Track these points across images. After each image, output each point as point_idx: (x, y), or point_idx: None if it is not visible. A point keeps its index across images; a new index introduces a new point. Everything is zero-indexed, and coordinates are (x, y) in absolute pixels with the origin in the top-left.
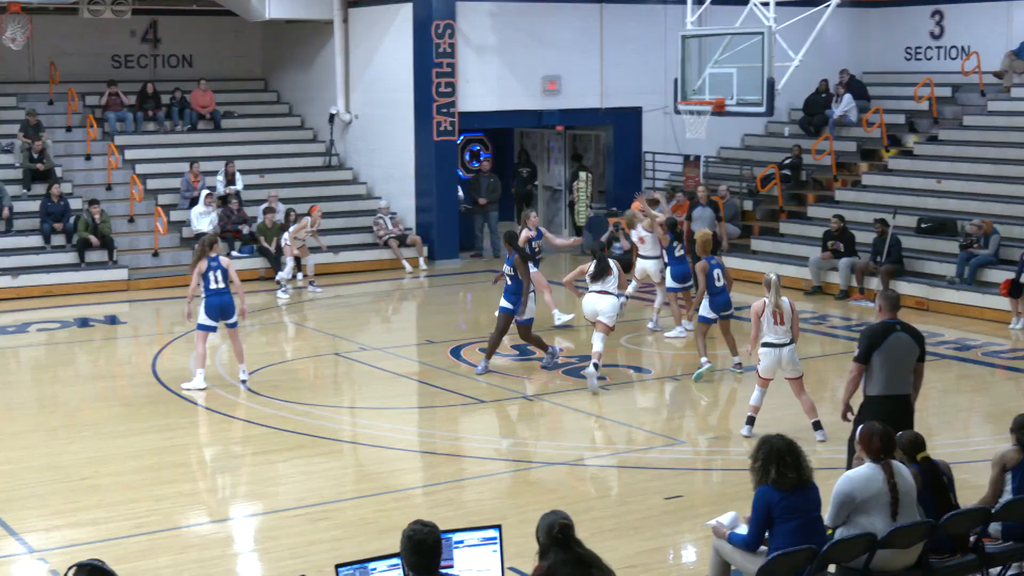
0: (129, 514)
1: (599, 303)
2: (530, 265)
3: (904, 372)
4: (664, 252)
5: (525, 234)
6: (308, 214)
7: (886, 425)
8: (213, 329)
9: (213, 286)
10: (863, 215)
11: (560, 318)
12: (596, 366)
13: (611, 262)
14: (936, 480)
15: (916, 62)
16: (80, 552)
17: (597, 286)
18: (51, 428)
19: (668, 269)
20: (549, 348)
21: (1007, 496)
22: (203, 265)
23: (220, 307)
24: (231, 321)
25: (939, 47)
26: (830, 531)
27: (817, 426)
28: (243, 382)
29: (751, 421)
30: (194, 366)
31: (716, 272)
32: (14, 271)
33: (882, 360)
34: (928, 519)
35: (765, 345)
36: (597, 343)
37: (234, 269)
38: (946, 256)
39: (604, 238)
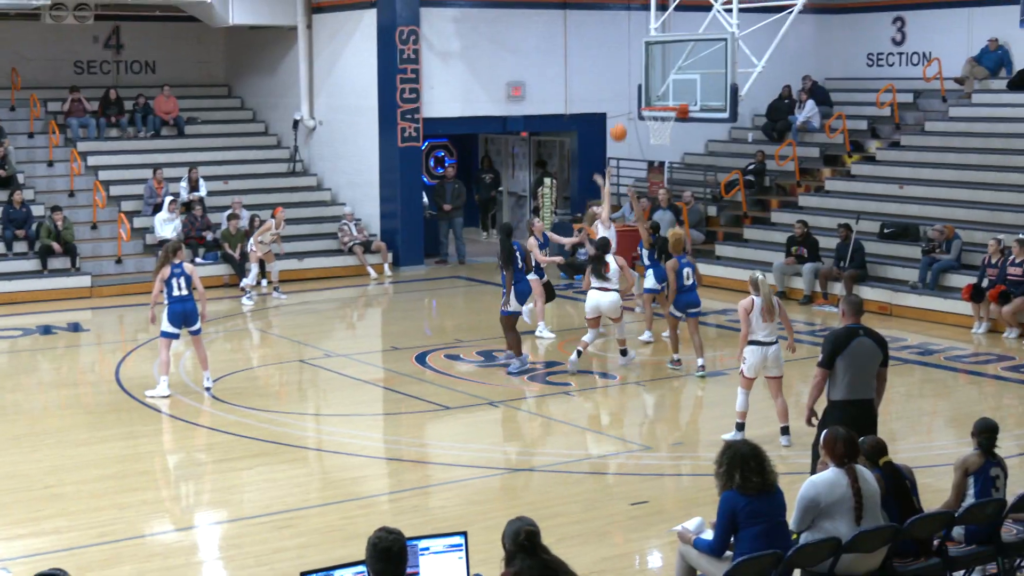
0: (92, 523)
1: (602, 299)
2: (532, 274)
3: (867, 377)
4: (645, 255)
5: (532, 242)
6: (272, 216)
7: (850, 430)
8: (176, 336)
9: (176, 293)
10: (826, 220)
11: (542, 332)
12: (579, 352)
13: (611, 258)
14: (899, 484)
15: (878, 68)
16: (43, 561)
17: (599, 283)
18: (14, 436)
19: (650, 271)
20: (523, 355)
21: (970, 500)
22: (166, 271)
23: (183, 314)
24: (194, 328)
25: (901, 53)
26: (795, 536)
27: (785, 431)
28: (207, 389)
29: (741, 428)
30: (158, 373)
31: (686, 271)
32: None
33: (846, 365)
34: (892, 523)
35: (752, 343)
36: (588, 336)
37: (198, 276)
38: (909, 261)
39: (569, 248)
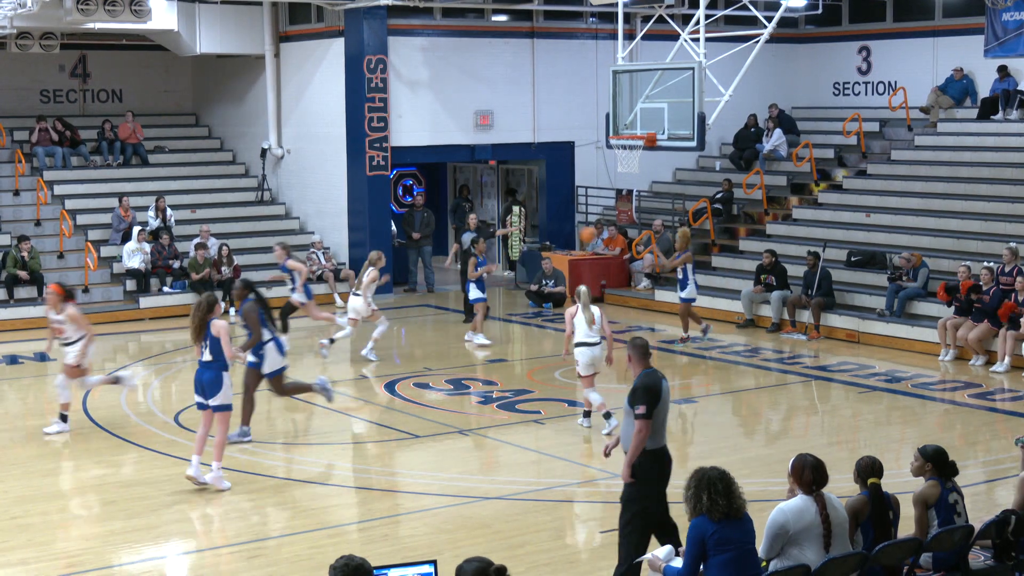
0: (59, 553)
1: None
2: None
3: (666, 420)
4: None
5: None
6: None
7: (817, 457)
8: (204, 407)
9: (201, 358)
10: (794, 248)
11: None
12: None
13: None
14: (882, 509)
15: (844, 97)
16: None
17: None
18: None
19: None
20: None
21: (935, 531)
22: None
23: (199, 383)
24: (212, 402)
25: (867, 82)
26: (764, 563)
27: (587, 415)
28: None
29: (608, 416)
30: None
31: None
32: None
33: (659, 411)
34: (860, 551)
35: (580, 345)
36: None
37: (227, 336)
38: (875, 289)
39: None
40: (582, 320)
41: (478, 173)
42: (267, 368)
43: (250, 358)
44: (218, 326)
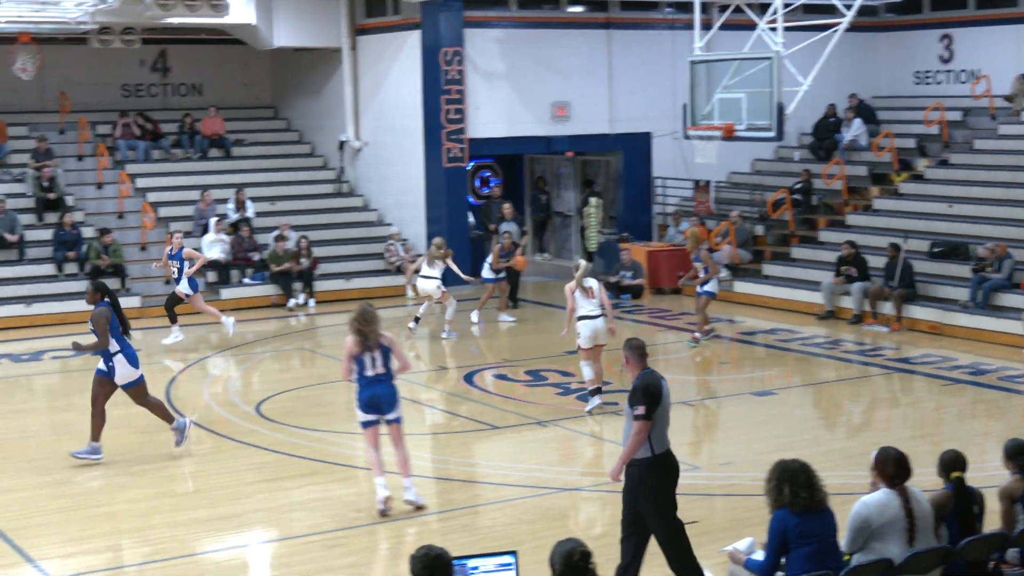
0: (144, 540)
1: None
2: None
3: (668, 422)
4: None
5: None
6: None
7: (900, 451)
8: (375, 424)
9: (370, 372)
10: (875, 239)
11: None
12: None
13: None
14: (965, 504)
15: (925, 86)
16: None
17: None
18: (66, 456)
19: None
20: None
21: (1022, 526)
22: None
23: (373, 397)
24: (391, 416)
25: (948, 71)
26: (846, 557)
27: (597, 391)
28: (415, 505)
29: (596, 392)
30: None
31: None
32: (27, 299)
33: (660, 414)
34: (945, 545)
35: (583, 318)
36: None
37: (399, 344)
38: (959, 280)
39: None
40: (582, 294)
41: (555, 164)
42: (119, 380)
43: (100, 365)
44: (389, 337)
